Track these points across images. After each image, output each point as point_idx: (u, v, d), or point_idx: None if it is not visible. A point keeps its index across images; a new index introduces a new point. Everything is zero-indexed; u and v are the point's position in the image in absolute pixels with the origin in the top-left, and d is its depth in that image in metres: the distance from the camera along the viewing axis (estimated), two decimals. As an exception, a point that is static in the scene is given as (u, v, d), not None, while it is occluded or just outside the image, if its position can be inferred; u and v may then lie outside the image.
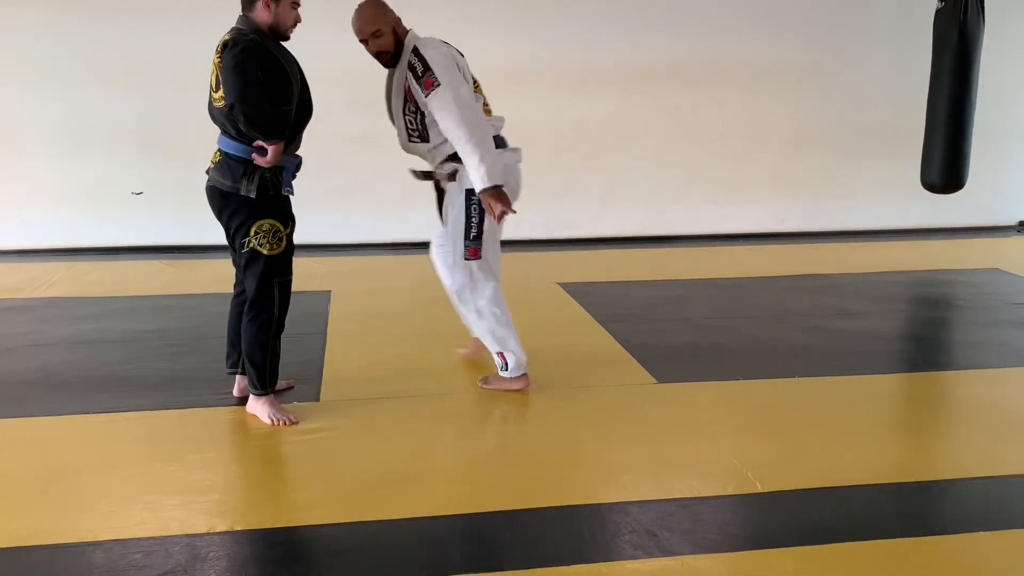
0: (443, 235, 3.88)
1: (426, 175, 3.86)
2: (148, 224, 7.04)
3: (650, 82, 7.39)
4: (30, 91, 6.84)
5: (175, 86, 6.86)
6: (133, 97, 6.91)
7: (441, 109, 3.46)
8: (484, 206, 3.54)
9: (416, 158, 3.84)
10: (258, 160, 3.26)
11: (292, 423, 3.45)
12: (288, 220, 3.46)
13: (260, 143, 3.24)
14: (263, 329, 3.45)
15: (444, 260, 3.94)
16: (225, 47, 3.24)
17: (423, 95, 3.49)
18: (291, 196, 3.48)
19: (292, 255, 3.52)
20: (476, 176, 3.46)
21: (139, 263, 6.58)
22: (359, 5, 3.59)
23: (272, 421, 3.45)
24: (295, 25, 3.38)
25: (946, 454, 3.29)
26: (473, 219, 3.65)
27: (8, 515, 2.76)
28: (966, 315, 5.31)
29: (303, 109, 3.43)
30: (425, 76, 3.47)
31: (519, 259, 6.19)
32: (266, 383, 3.49)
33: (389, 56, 3.60)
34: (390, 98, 3.72)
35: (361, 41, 3.59)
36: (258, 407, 3.51)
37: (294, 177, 3.45)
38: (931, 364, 4.44)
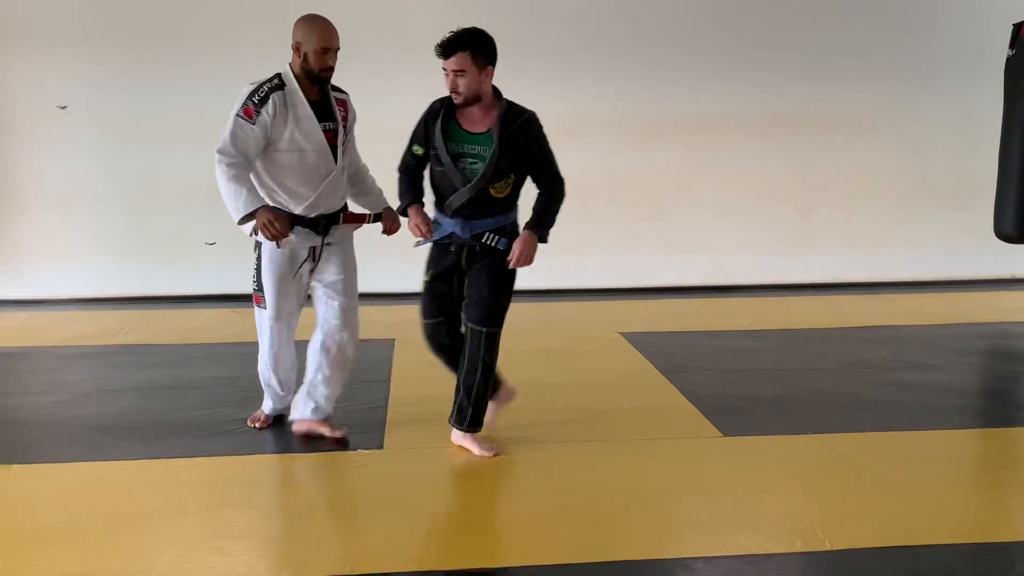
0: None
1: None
2: (218, 273, 7.22)
3: (712, 132, 7.41)
4: (108, 145, 7.14)
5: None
6: (205, 152, 7.10)
7: None
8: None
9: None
10: None
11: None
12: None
13: None
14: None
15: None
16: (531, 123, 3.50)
17: None
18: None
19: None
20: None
21: (209, 311, 6.75)
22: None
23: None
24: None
25: (1023, 513, 3.18)
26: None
27: (83, 557, 2.82)
28: (1042, 369, 5.15)
29: None
30: None
31: (580, 308, 6.20)
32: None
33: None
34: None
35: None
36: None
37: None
38: (1005, 419, 4.30)
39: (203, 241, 7.20)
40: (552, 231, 3.58)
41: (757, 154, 7.49)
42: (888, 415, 4.18)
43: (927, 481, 3.39)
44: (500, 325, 3.61)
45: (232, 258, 7.16)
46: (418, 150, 3.58)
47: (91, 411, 4.36)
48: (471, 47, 3.37)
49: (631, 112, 7.28)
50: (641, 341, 5.57)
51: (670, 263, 7.52)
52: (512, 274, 3.60)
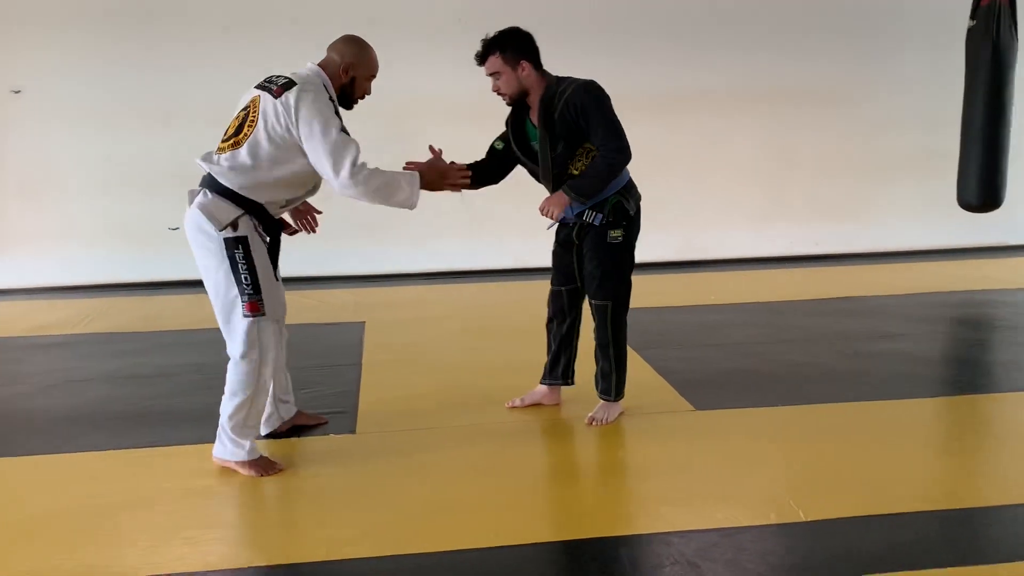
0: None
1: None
2: (184, 260, 7.11)
3: (682, 108, 7.41)
4: (72, 132, 7.02)
5: (210, 126, 6.97)
6: (171, 137, 7.03)
7: None
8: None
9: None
10: None
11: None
12: None
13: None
14: None
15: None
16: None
17: None
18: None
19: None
20: None
21: (176, 298, 6.66)
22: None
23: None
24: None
25: (993, 479, 3.22)
26: None
27: (51, 551, 2.78)
28: (1007, 336, 5.21)
29: None
30: None
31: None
32: None
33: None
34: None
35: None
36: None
37: None
38: (974, 387, 4.35)
39: (167, 227, 7.10)
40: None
41: (727, 129, 7.51)
42: (859, 385, 4.21)
43: (898, 450, 3.42)
44: (612, 298, 3.65)
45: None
46: (498, 145, 3.75)
47: (57, 402, 4.29)
48: (499, 47, 3.50)
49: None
50: (613, 318, 5.56)
51: (641, 239, 7.50)
52: (616, 248, 3.62)
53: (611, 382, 3.75)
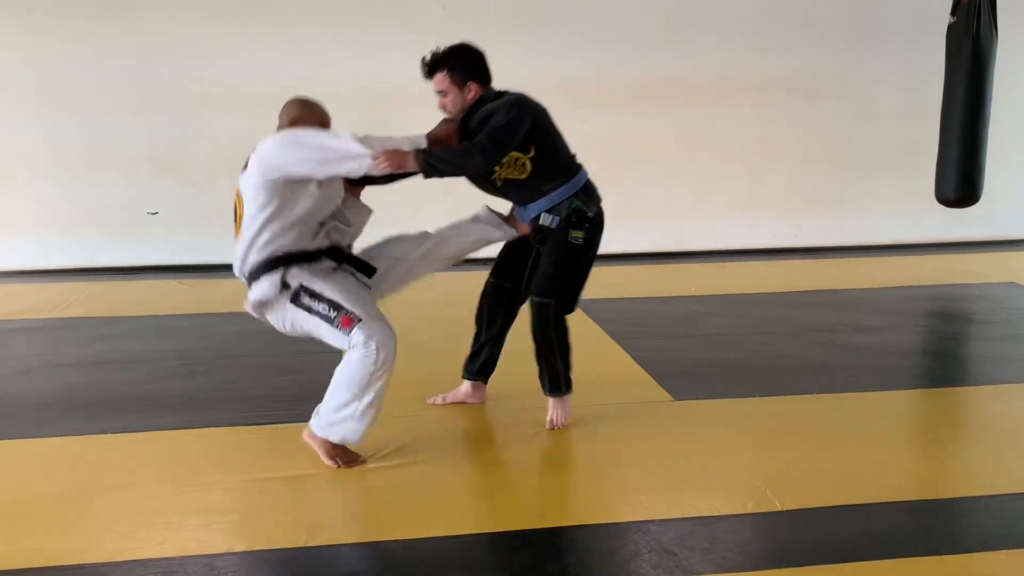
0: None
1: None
2: (163, 244, 7.09)
3: (662, 99, 7.41)
4: (46, 114, 6.93)
5: (188, 108, 6.94)
6: (147, 120, 6.97)
7: None
8: None
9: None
10: None
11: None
12: None
13: None
14: None
15: None
16: None
17: None
18: None
19: None
20: None
21: (155, 283, 6.62)
22: None
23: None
24: None
25: (966, 471, 3.26)
26: None
27: (28, 535, 2.77)
28: (983, 330, 5.28)
29: None
30: None
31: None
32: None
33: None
34: None
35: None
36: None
37: None
38: (949, 380, 4.41)
39: (145, 211, 7.06)
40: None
41: (706, 121, 7.52)
42: (836, 377, 4.25)
43: (874, 441, 3.46)
44: (555, 298, 3.54)
45: (176, 228, 7.05)
46: None
47: (34, 386, 4.26)
48: (448, 66, 3.45)
49: (581, 79, 7.24)
50: (593, 308, 5.58)
51: (620, 230, 7.50)
52: (576, 250, 3.56)
53: (559, 376, 3.63)
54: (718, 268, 7.05)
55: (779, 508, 2.90)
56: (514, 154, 3.44)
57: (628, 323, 5.24)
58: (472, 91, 3.48)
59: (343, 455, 3.27)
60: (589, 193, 3.59)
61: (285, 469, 3.27)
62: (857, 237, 7.82)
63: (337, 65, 6.71)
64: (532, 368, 3.76)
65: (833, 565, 2.55)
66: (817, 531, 2.77)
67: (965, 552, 2.64)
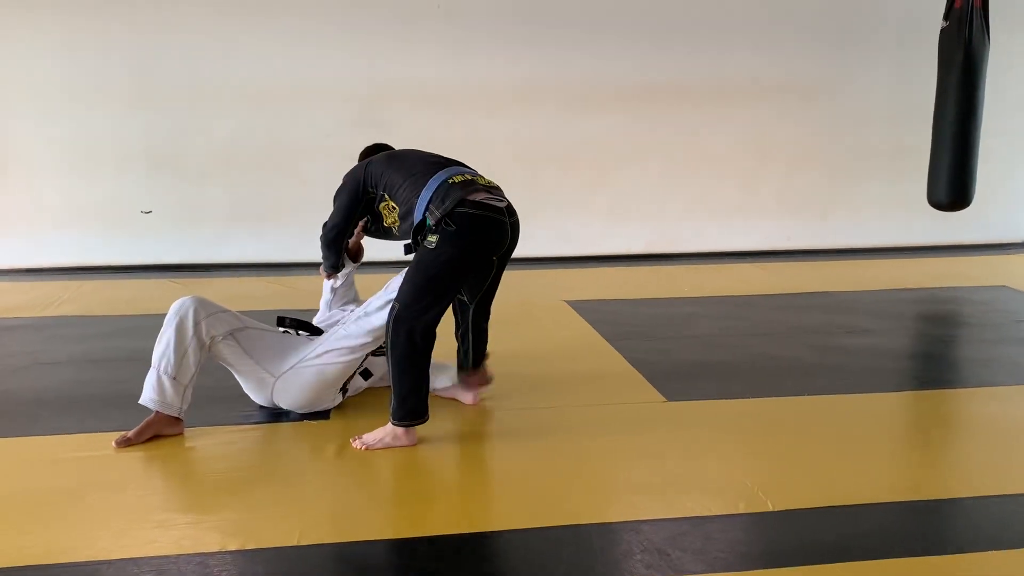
0: None
1: None
2: (157, 242, 7.06)
3: (656, 101, 7.43)
4: (40, 110, 6.91)
5: (183, 105, 6.92)
6: (142, 116, 6.96)
7: None
8: None
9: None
10: None
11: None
12: None
13: None
14: None
15: None
16: None
17: None
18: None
19: None
20: None
21: (148, 281, 6.60)
22: None
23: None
24: None
25: (957, 472, 3.28)
26: None
27: (19, 534, 2.76)
28: (974, 332, 5.30)
29: None
30: None
31: (526, 276, 6.20)
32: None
33: None
34: None
35: None
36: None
37: None
38: (940, 382, 4.43)
39: (139, 209, 7.04)
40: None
41: (700, 123, 7.54)
42: (828, 379, 4.27)
43: (865, 443, 3.48)
44: (400, 301, 3.35)
45: (169, 227, 7.03)
46: None
47: (25, 385, 4.25)
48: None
49: (577, 81, 7.27)
50: (586, 309, 5.60)
51: (615, 231, 7.56)
52: (428, 252, 3.37)
53: (392, 399, 3.40)
54: (711, 270, 7.07)
55: (771, 509, 2.91)
56: (381, 205, 3.67)
57: (621, 324, 5.25)
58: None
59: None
60: (440, 201, 3.38)
61: (278, 467, 3.27)
62: (849, 240, 7.84)
63: (333, 63, 6.71)
64: (532, 368, 3.79)
65: (825, 565, 2.56)
66: (809, 531, 2.78)
67: (956, 553, 2.65)
